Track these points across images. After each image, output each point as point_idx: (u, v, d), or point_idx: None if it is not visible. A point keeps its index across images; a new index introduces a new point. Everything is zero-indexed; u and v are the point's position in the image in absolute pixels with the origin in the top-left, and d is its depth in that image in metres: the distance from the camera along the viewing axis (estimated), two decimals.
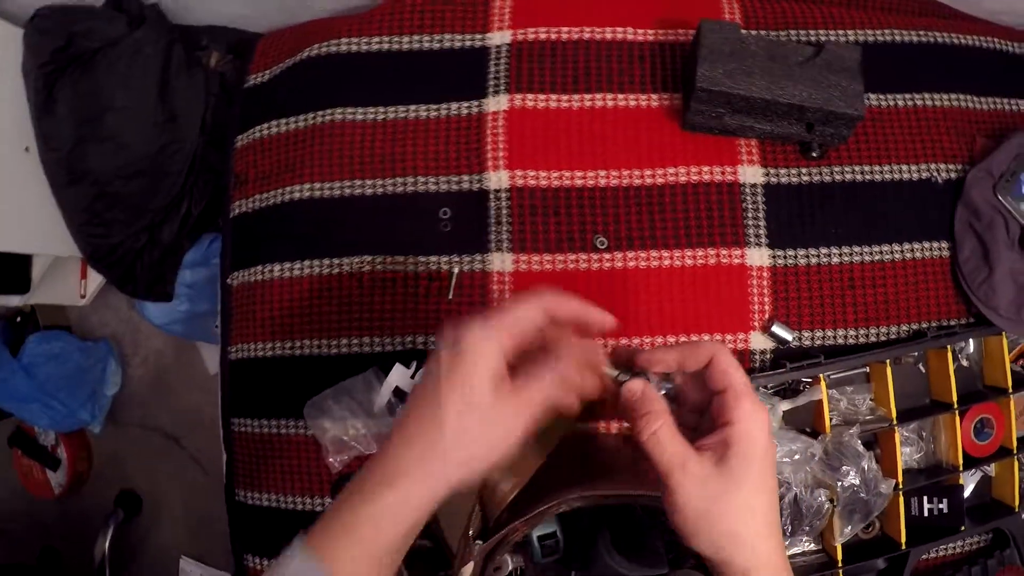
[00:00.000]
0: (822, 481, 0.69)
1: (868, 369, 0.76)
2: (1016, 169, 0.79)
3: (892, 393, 0.72)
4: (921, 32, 0.84)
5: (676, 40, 0.81)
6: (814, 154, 0.77)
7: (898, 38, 0.83)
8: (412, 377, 0.75)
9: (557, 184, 0.76)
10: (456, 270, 0.76)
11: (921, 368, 0.78)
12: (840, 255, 0.76)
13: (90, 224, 1.10)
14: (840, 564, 0.72)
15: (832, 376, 0.75)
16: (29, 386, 1.32)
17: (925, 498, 0.75)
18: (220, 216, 1.12)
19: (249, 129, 0.89)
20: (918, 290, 0.77)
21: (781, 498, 0.69)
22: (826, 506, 0.68)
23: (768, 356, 0.74)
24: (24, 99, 1.10)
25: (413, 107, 0.81)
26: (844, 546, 0.72)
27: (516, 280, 0.75)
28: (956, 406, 0.74)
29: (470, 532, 0.58)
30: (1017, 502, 0.76)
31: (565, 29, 0.81)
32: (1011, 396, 0.76)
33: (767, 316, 0.74)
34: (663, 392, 0.46)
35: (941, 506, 0.74)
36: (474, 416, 0.43)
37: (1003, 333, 0.76)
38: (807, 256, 0.76)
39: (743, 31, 0.72)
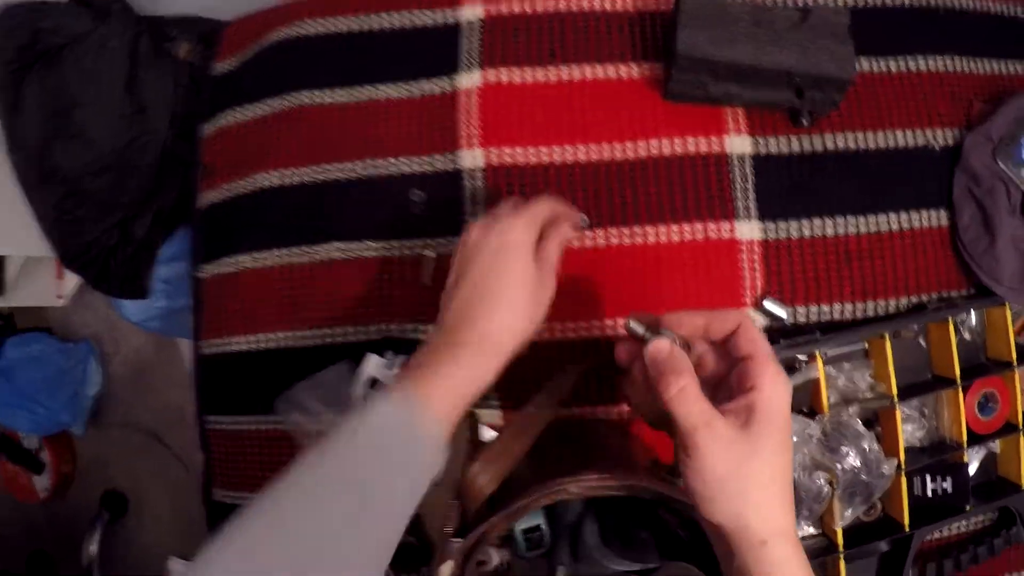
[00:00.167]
0: (821, 463, 0.64)
1: (866, 345, 0.72)
2: (1016, 133, 0.74)
3: (892, 369, 0.68)
4: None
5: (656, 9, 0.76)
6: (804, 122, 0.72)
7: (888, 1, 0.78)
8: (388, 367, 0.70)
9: (535, 161, 0.71)
10: (432, 254, 0.71)
11: (921, 342, 0.73)
12: (835, 227, 0.72)
13: (61, 222, 1.05)
14: (841, 549, 0.68)
15: (829, 353, 0.70)
16: (9, 391, 1.27)
17: (928, 477, 0.70)
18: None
19: (215, 118, 0.84)
20: (917, 261, 0.72)
21: None
22: (825, 489, 0.64)
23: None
24: None
25: (383, 87, 0.76)
26: (845, 529, 0.68)
27: None
28: (959, 381, 0.69)
29: (447, 529, 0.53)
30: None
31: (540, 0, 0.76)
32: (1016, 369, 0.71)
33: (759, 292, 0.70)
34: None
35: (945, 485, 0.70)
36: (524, 293, 0.52)
37: (1006, 304, 0.72)
38: (800, 228, 0.71)
39: None
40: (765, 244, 0.70)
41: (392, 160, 0.74)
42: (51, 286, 1.25)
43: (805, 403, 0.69)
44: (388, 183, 0.73)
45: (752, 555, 0.41)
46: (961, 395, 0.70)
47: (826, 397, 0.67)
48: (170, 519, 1.41)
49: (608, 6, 0.75)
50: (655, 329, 0.46)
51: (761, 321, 0.70)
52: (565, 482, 0.53)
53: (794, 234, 0.71)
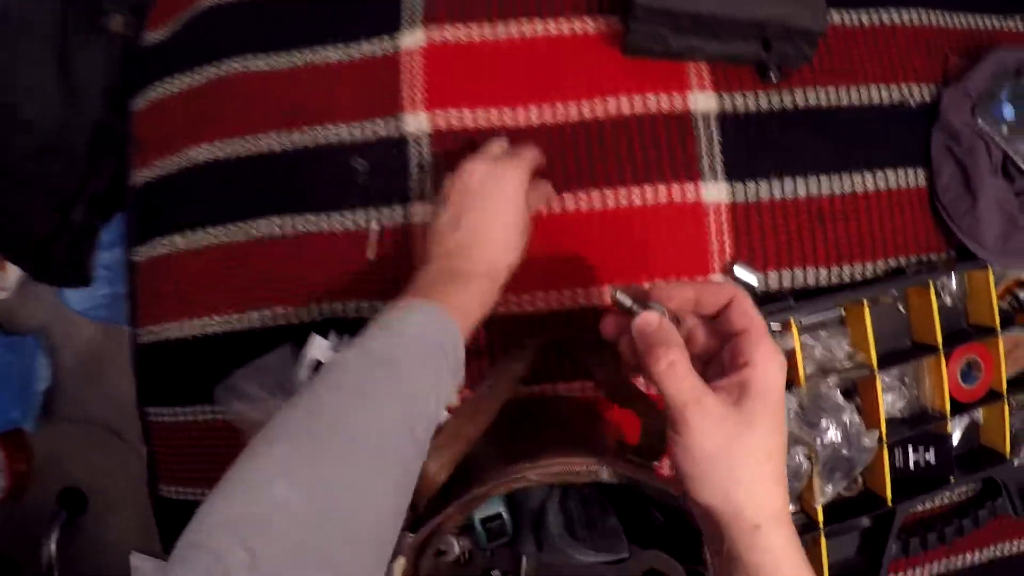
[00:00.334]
0: (799, 438, 0.59)
1: (843, 312, 0.66)
2: (995, 90, 0.68)
3: (872, 336, 0.62)
4: None
5: None
6: (773, 77, 0.66)
7: None
8: (334, 349, 0.64)
9: (485, 124, 0.64)
10: (376, 226, 0.64)
11: (900, 308, 0.68)
12: (807, 187, 0.66)
13: None
14: (822, 526, 0.62)
15: (804, 321, 0.65)
16: None
17: (910, 449, 0.65)
18: None
19: (145, 90, 0.76)
20: (894, 222, 0.67)
21: None
22: (805, 466, 0.59)
23: None
24: None
25: (320, 50, 0.68)
26: (825, 506, 0.63)
27: None
28: (941, 348, 0.64)
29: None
30: (1008, 448, 0.67)
31: None
32: (999, 335, 0.66)
33: (728, 257, 0.64)
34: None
35: (928, 457, 0.65)
36: (518, 236, 0.55)
37: (988, 267, 0.67)
38: (770, 189, 0.65)
39: None
40: (733, 206, 0.64)
41: (332, 127, 0.66)
42: None
43: None
44: (328, 152, 0.66)
45: (744, 539, 0.38)
46: (944, 363, 0.65)
47: (802, 368, 0.62)
48: (131, 515, 1.33)
49: None
50: (643, 302, 0.43)
51: None
52: (524, 468, 0.47)
53: (764, 195, 0.65)
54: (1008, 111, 0.68)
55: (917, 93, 0.69)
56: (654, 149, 0.64)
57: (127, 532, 1.33)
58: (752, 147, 0.65)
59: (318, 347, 0.64)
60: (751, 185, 0.65)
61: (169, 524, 0.76)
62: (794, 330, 0.62)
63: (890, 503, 0.64)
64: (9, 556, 1.28)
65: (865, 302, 0.63)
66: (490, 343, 0.63)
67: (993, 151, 0.67)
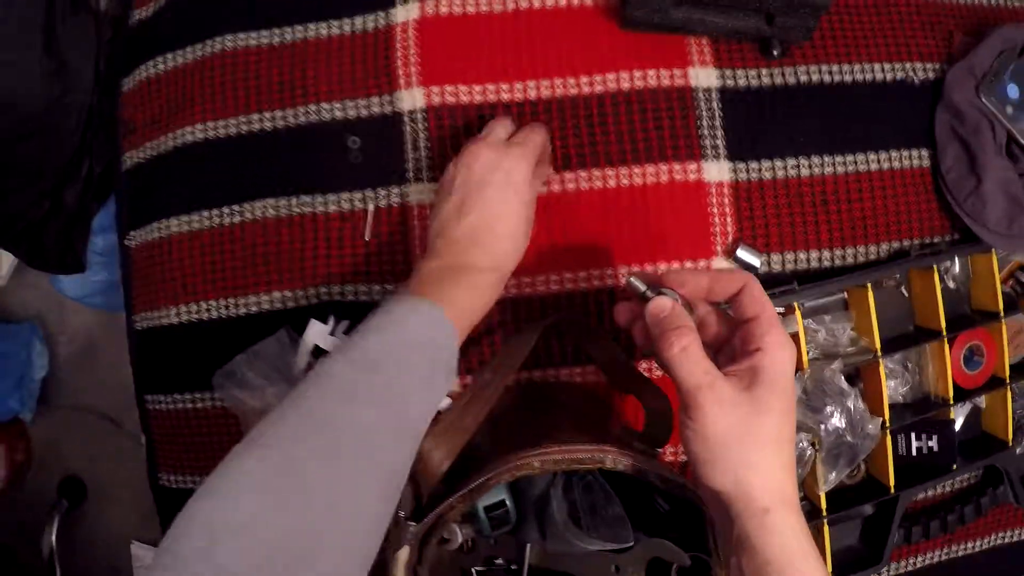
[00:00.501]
0: (803, 424, 0.56)
1: (846, 295, 0.63)
2: (1000, 68, 0.65)
3: (875, 321, 0.60)
4: None
5: None
6: (775, 52, 0.62)
7: None
8: (332, 333, 0.61)
9: (480, 100, 0.61)
10: (372, 207, 0.61)
11: (904, 292, 0.65)
12: (810, 167, 0.63)
13: None
14: (825, 513, 0.60)
15: (807, 304, 0.62)
16: None
17: (913, 436, 0.63)
18: None
19: (134, 70, 0.73)
20: (898, 204, 0.64)
21: None
22: (808, 452, 0.56)
23: None
24: None
25: (312, 25, 0.65)
26: (828, 493, 0.60)
27: None
28: (944, 333, 0.61)
29: (400, 513, 0.45)
30: (1010, 436, 0.64)
31: None
32: (1002, 320, 0.64)
33: (731, 238, 0.61)
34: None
35: (931, 443, 0.62)
36: (525, 224, 0.51)
37: (992, 250, 0.64)
38: (772, 169, 0.62)
39: None
40: (735, 186, 0.61)
41: (325, 105, 0.63)
42: None
43: None
44: (321, 130, 0.63)
45: (753, 523, 0.38)
46: (947, 348, 0.62)
47: (806, 352, 0.59)
48: (132, 503, 1.31)
49: None
50: (656, 288, 0.44)
51: None
52: (528, 455, 0.45)
53: (766, 175, 0.62)
54: (1013, 90, 0.65)
55: (921, 71, 0.66)
56: (655, 126, 0.61)
57: (127, 521, 1.30)
58: (754, 125, 0.62)
59: (317, 332, 0.61)
60: (753, 164, 0.62)
61: (170, 513, 0.73)
62: (797, 314, 0.59)
63: (893, 490, 0.61)
64: (8, 546, 1.25)
65: (869, 286, 0.60)
66: (490, 329, 0.60)
67: (998, 131, 0.64)
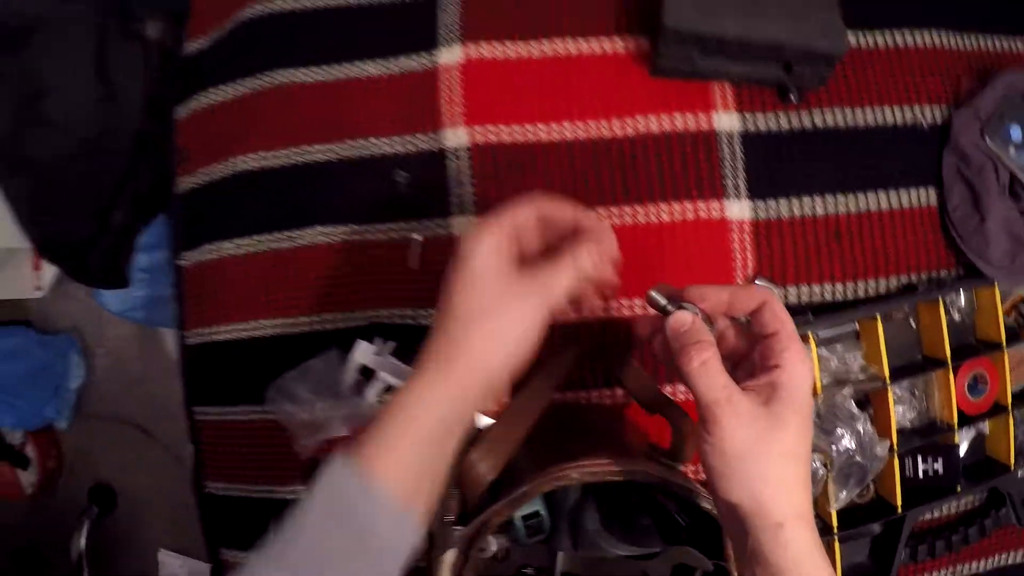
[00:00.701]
0: (816, 446, 0.62)
1: (858, 326, 0.69)
2: (1003, 112, 0.71)
3: (884, 350, 0.65)
4: None
5: None
6: (792, 97, 0.69)
7: None
8: (378, 354, 0.67)
9: (520, 139, 0.68)
10: (418, 237, 0.68)
11: (911, 323, 0.71)
12: (824, 205, 0.69)
13: (36, 213, 1.00)
14: (836, 530, 0.65)
15: (821, 335, 0.68)
16: None
17: (920, 459, 0.68)
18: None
19: (189, 100, 0.80)
20: (907, 240, 0.70)
21: None
22: (821, 471, 0.62)
23: None
24: None
25: (360, 64, 0.72)
26: (838, 511, 0.66)
27: None
28: (950, 362, 0.67)
29: (447, 518, 0.50)
30: (1013, 460, 0.70)
31: None
32: (1005, 350, 0.69)
33: (750, 272, 0.67)
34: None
35: (936, 466, 0.68)
36: (482, 297, 0.43)
37: (995, 284, 0.70)
38: (790, 207, 0.68)
39: None
40: (755, 223, 0.67)
41: (374, 140, 0.70)
42: (29, 277, 1.20)
43: None
44: (371, 164, 0.70)
45: (768, 537, 0.39)
46: (952, 376, 0.67)
47: (819, 379, 0.65)
48: (161, 512, 1.36)
49: None
50: (677, 301, 0.45)
51: None
52: (567, 468, 0.50)
53: (784, 213, 0.68)
54: (1016, 132, 0.71)
55: (930, 114, 0.72)
56: (681, 167, 0.67)
57: (156, 529, 1.36)
58: (772, 166, 0.68)
59: (363, 352, 0.67)
60: (772, 203, 0.68)
61: (213, 519, 0.79)
62: (812, 343, 0.65)
63: (900, 510, 0.67)
64: (36, 549, 1.31)
65: (879, 317, 0.66)
66: None
67: (1001, 172, 0.70)
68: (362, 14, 0.73)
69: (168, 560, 1.25)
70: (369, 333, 0.68)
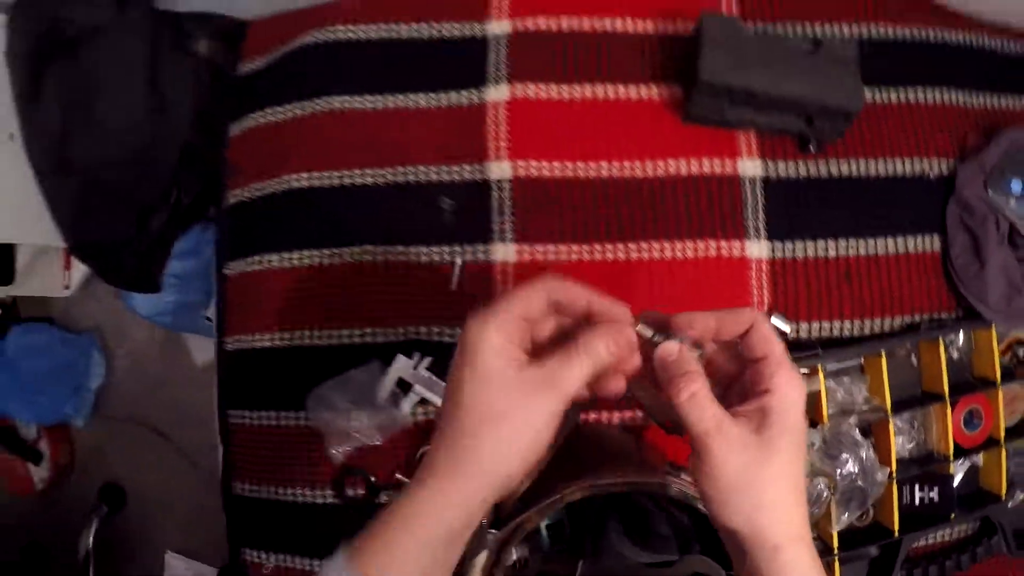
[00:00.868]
0: (820, 470, 0.70)
1: (863, 361, 0.77)
2: (1005, 166, 0.80)
3: (887, 384, 0.74)
4: (915, 28, 0.85)
5: (675, 32, 0.81)
6: (811, 148, 0.78)
7: (891, 33, 0.84)
8: (415, 368, 0.74)
9: (560, 175, 0.76)
10: (459, 260, 0.76)
11: (913, 360, 0.79)
12: (836, 248, 0.77)
13: (76, 214, 1.07)
14: (836, 551, 0.73)
15: (829, 367, 0.76)
16: (11, 380, 1.28)
17: (916, 487, 0.76)
18: (211, 206, 1.10)
19: (243, 118, 0.88)
20: (912, 283, 0.78)
21: None
22: (825, 494, 0.69)
23: None
24: (8, 86, 1.07)
25: (412, 96, 0.80)
26: (839, 534, 0.73)
27: (520, 271, 0.75)
28: (947, 397, 0.75)
29: (483, 522, 0.57)
30: (1004, 491, 0.78)
31: (564, 19, 0.81)
32: (999, 388, 0.77)
33: (766, 307, 0.75)
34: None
35: (932, 495, 0.76)
36: (492, 399, 0.41)
37: (992, 326, 0.78)
38: (805, 249, 0.77)
39: (743, 24, 0.73)
40: (772, 262, 0.76)
41: (421, 168, 0.78)
42: (58, 276, 1.26)
43: (806, 413, 0.75)
44: (416, 190, 0.78)
45: (766, 560, 0.40)
46: (949, 410, 0.76)
47: (826, 408, 0.73)
48: (171, 515, 1.42)
49: (630, 28, 0.80)
50: (664, 332, 0.45)
51: None
52: (593, 480, 0.57)
53: (799, 254, 0.76)
54: (1017, 186, 0.79)
55: (936, 167, 0.81)
56: (707, 207, 0.75)
57: (164, 531, 1.42)
58: (791, 210, 0.77)
59: (401, 366, 0.74)
60: (788, 244, 0.76)
61: (239, 519, 0.85)
62: (820, 375, 0.73)
63: (897, 534, 0.74)
64: (41, 544, 1.37)
65: (883, 354, 0.74)
66: None
67: (1001, 222, 0.78)
68: (416, 49, 0.81)
69: (175, 563, 1.31)
70: (406, 348, 0.75)
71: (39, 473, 1.43)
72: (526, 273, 0.75)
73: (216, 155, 0.92)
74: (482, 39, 0.81)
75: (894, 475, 0.73)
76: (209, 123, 1.04)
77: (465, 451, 0.42)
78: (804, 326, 0.76)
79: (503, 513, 0.60)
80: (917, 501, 0.76)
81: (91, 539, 1.26)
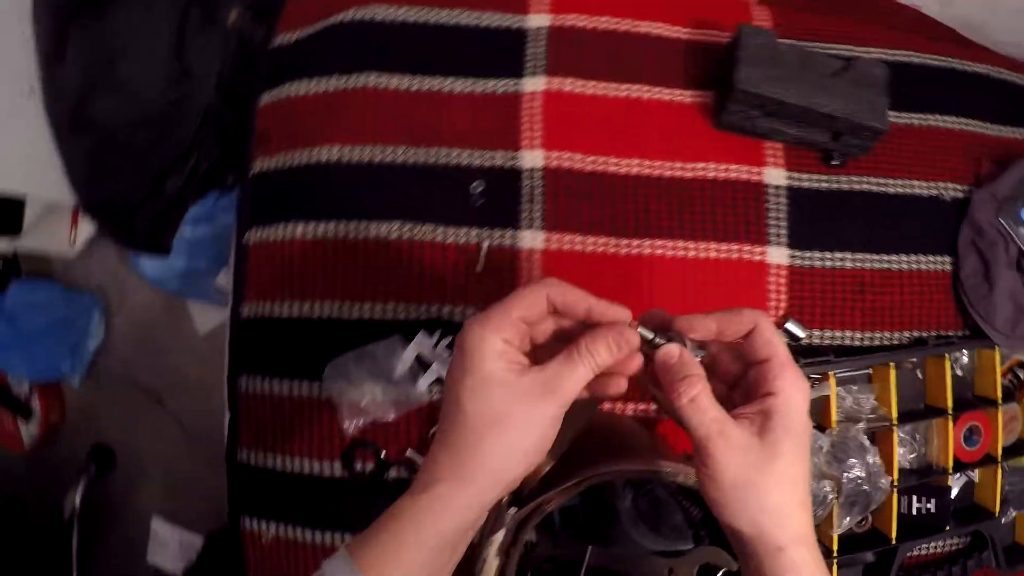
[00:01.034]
0: (827, 473, 0.72)
1: (871, 370, 0.80)
2: (1018, 195, 0.83)
3: (894, 395, 0.76)
4: (939, 57, 0.88)
5: (709, 40, 0.83)
6: (835, 162, 0.80)
7: (916, 60, 0.87)
8: (435, 347, 0.75)
9: (591, 168, 0.77)
10: (486, 244, 0.77)
11: (918, 374, 0.82)
12: (853, 260, 0.80)
13: (92, 172, 1.08)
14: (835, 554, 0.75)
15: (838, 375, 0.78)
16: (10, 333, 1.27)
17: (915, 497, 0.79)
18: (229, 173, 1.11)
19: (276, 87, 0.88)
20: (922, 300, 0.81)
21: None
22: (830, 497, 0.72)
23: None
24: (30, 40, 1.07)
25: (449, 80, 0.81)
26: (838, 538, 0.75)
27: (546, 259, 0.76)
28: (951, 412, 0.78)
29: (503, 499, 0.58)
30: (998, 507, 0.80)
31: (603, 19, 0.83)
32: (999, 407, 0.80)
33: (782, 313, 0.77)
34: (698, 360, 0.44)
35: (929, 506, 0.78)
36: (494, 404, 0.42)
37: (996, 347, 0.81)
38: (823, 259, 0.79)
39: (778, 39, 0.75)
40: (791, 269, 0.78)
41: (454, 150, 0.79)
42: (64, 234, 1.26)
43: (815, 418, 0.77)
44: (448, 172, 0.79)
45: (769, 561, 0.41)
46: (951, 425, 0.78)
47: (835, 413, 0.75)
48: (159, 480, 1.42)
49: (665, 33, 0.83)
50: (665, 334, 0.45)
51: None
52: (609, 466, 0.59)
53: (817, 263, 0.79)
54: None
55: (952, 190, 0.84)
56: (732, 212, 0.77)
57: (151, 496, 1.41)
58: (812, 220, 0.79)
59: (422, 342, 0.76)
60: (807, 253, 0.79)
61: (242, 487, 0.85)
62: (832, 381, 0.75)
63: (894, 541, 0.77)
64: (20, 499, 1.36)
65: (892, 365, 0.77)
66: None
67: (1011, 248, 0.82)
68: (455, 35, 0.82)
69: (161, 529, 1.31)
70: (427, 327, 0.76)
71: (28, 430, 1.43)
72: (552, 261, 0.76)
73: (240, 123, 0.92)
74: (521, 31, 0.83)
75: (895, 483, 0.76)
76: (234, 91, 1.05)
77: (469, 456, 0.42)
78: (817, 333, 0.78)
79: (523, 492, 0.61)
80: (914, 511, 0.78)
81: (78, 499, 1.25)
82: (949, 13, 0.96)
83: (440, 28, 0.84)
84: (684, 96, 0.80)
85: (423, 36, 0.84)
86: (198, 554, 1.21)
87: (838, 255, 0.79)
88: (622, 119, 0.78)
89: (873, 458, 0.72)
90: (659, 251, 0.77)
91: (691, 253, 0.77)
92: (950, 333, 0.82)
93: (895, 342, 0.80)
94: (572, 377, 0.42)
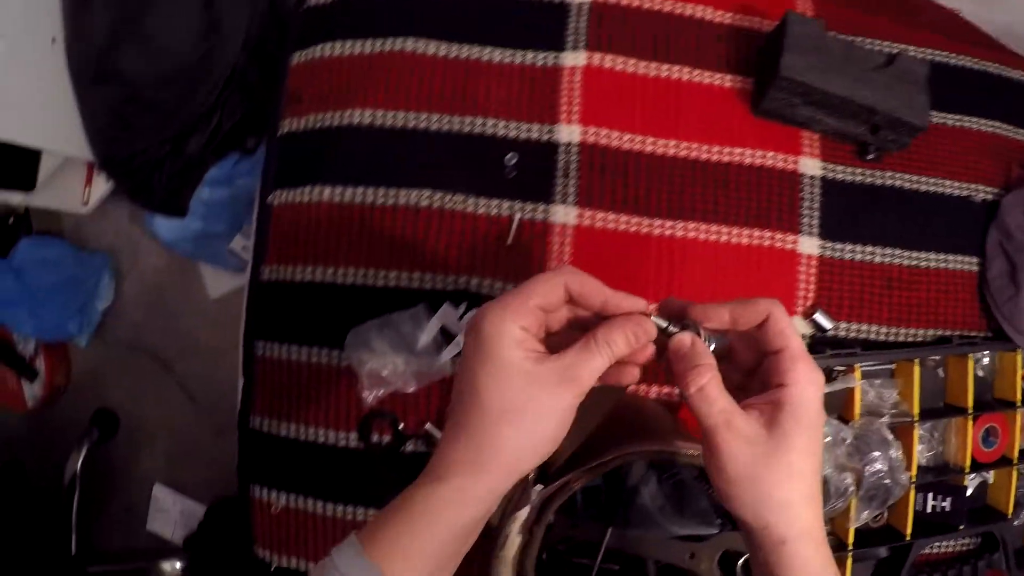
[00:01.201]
0: (847, 465, 0.72)
1: (894, 366, 0.80)
2: None
3: (917, 391, 0.76)
4: (976, 60, 0.88)
5: (751, 27, 0.83)
6: (870, 156, 0.80)
7: (953, 61, 0.87)
8: (460, 319, 0.75)
9: (628, 147, 0.77)
10: (518, 216, 0.76)
11: (940, 372, 0.82)
12: (882, 255, 0.79)
13: (113, 127, 1.06)
14: (850, 547, 0.75)
15: (863, 368, 0.78)
16: (18, 289, 1.26)
17: (930, 495, 0.79)
18: (249, 136, 1.09)
19: (309, 48, 0.87)
20: (948, 299, 0.81)
21: None
22: (851, 489, 0.71)
23: (805, 341, 0.77)
24: None
25: (488, 49, 0.80)
26: (854, 531, 0.75)
27: (578, 235, 0.76)
28: (970, 412, 0.78)
29: (530, 476, 0.58)
30: (1011, 509, 0.81)
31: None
32: (1018, 410, 0.80)
33: (810, 303, 0.77)
34: (712, 348, 0.44)
35: (944, 504, 0.79)
36: (510, 393, 0.41)
37: (1018, 350, 0.81)
38: (853, 251, 0.79)
39: (824, 28, 0.74)
40: (822, 260, 0.78)
41: (490, 120, 0.78)
42: (78, 191, 1.24)
43: (837, 410, 0.77)
44: (482, 142, 0.78)
45: (773, 553, 0.41)
46: (970, 425, 0.78)
47: (859, 406, 0.75)
48: (162, 446, 1.41)
49: (710, 16, 0.82)
50: (679, 322, 0.45)
51: (804, 329, 0.77)
52: (636, 447, 0.58)
53: (847, 256, 0.79)
54: None
55: (982, 192, 0.84)
56: (766, 198, 0.77)
57: (154, 462, 1.40)
58: (845, 212, 0.79)
59: (446, 314, 0.75)
60: (838, 245, 0.78)
61: (253, 455, 0.84)
62: (857, 374, 0.75)
63: (909, 538, 0.77)
64: (21, 463, 1.34)
65: (917, 362, 0.76)
66: None
67: None
68: (495, 5, 0.81)
69: (163, 496, 1.29)
70: (453, 299, 0.75)
71: (32, 391, 1.41)
72: (584, 237, 0.76)
73: (265, 83, 0.91)
74: (564, 5, 0.81)
75: (913, 479, 0.76)
76: (261, 50, 1.03)
77: (485, 446, 0.42)
78: (844, 325, 0.78)
79: (551, 470, 0.61)
80: (929, 508, 0.78)
81: (79, 464, 1.24)
82: (988, 19, 0.95)
83: None
84: (724, 80, 0.79)
85: (464, 3, 0.82)
86: (199, 523, 1.20)
87: (868, 249, 0.79)
88: (661, 99, 0.78)
89: (896, 452, 0.72)
90: (691, 234, 0.76)
91: (723, 237, 0.76)
92: (973, 333, 0.82)
93: (919, 339, 0.80)
94: (589, 366, 0.42)
